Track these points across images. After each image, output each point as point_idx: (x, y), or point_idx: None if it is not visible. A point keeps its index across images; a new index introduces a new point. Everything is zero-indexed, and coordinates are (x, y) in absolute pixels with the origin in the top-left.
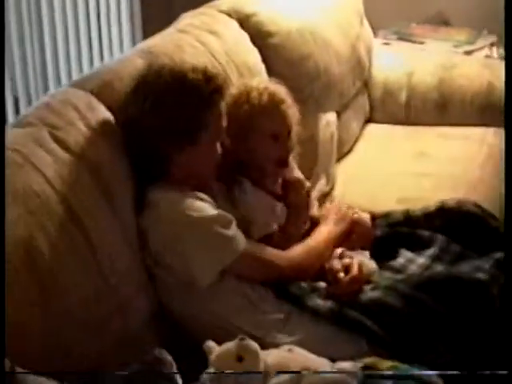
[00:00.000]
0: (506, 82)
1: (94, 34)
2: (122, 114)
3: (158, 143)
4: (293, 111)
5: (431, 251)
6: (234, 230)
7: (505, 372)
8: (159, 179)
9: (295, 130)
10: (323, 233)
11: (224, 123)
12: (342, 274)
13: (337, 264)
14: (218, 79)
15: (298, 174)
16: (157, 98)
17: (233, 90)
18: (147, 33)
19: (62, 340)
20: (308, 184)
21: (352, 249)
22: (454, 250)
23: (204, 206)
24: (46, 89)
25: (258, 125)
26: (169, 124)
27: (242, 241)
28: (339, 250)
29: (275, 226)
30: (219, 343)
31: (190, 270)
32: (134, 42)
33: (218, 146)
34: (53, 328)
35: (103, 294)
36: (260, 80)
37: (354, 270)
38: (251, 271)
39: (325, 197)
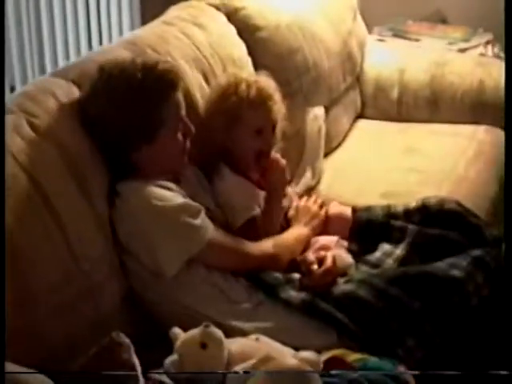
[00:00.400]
0: (506, 83)
1: (94, 23)
2: (81, 114)
3: (118, 143)
4: (279, 107)
5: (407, 240)
6: (201, 219)
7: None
8: (127, 173)
9: (280, 125)
10: (293, 232)
11: (183, 113)
12: (315, 266)
13: (311, 256)
14: (169, 74)
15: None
16: (109, 100)
17: (222, 79)
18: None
19: (32, 322)
20: (283, 162)
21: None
22: (431, 233)
23: (170, 195)
24: (42, 71)
25: (243, 118)
26: (123, 125)
27: (209, 230)
28: (319, 242)
29: (257, 210)
30: (187, 330)
31: (156, 260)
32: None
33: (180, 136)
34: (23, 310)
35: (74, 278)
36: (250, 73)
37: (328, 263)
38: (220, 260)
39: (310, 191)
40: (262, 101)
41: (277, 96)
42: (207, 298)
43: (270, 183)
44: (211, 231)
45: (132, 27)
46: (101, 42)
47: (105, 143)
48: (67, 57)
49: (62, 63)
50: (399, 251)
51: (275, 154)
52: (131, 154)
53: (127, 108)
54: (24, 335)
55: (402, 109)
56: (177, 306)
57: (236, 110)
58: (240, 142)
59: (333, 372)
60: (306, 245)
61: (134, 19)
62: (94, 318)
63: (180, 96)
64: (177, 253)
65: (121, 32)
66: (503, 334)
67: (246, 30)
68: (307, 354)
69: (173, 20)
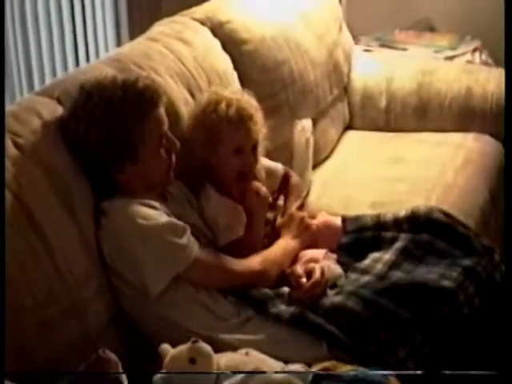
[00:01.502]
0: (506, 85)
1: (80, 40)
2: (63, 133)
3: (100, 162)
4: (259, 127)
5: (397, 245)
6: (186, 238)
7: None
8: (112, 191)
9: (263, 144)
10: (281, 245)
11: (165, 128)
12: (304, 280)
13: (299, 269)
14: (149, 90)
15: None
16: (89, 119)
17: (204, 96)
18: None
19: (16, 339)
20: (264, 189)
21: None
22: (422, 240)
23: (155, 214)
24: (31, 88)
25: (223, 136)
26: (105, 143)
27: (195, 249)
28: (307, 255)
29: (242, 231)
30: (176, 346)
31: (141, 279)
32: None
33: (163, 152)
34: (8, 327)
35: (60, 296)
36: (233, 90)
37: (317, 275)
38: (206, 278)
39: None
40: (241, 120)
41: (258, 116)
42: (195, 316)
43: (249, 209)
44: (196, 250)
45: (119, 43)
46: (88, 59)
47: (88, 162)
48: (54, 74)
49: (48, 80)
50: (388, 256)
51: (256, 183)
52: (115, 173)
53: (107, 126)
54: (9, 353)
55: (390, 118)
56: (164, 322)
57: (215, 128)
58: (220, 160)
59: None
60: (295, 258)
61: (121, 35)
62: (80, 336)
63: (162, 112)
64: (161, 272)
65: (107, 49)
66: (496, 339)
67: (231, 43)
68: (296, 367)
69: (157, 36)
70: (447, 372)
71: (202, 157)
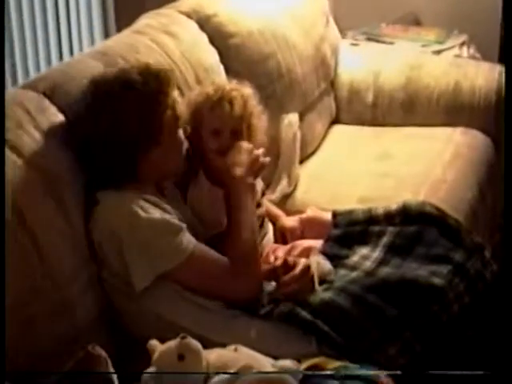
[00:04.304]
0: (506, 85)
1: (64, 30)
2: (76, 132)
3: (126, 149)
4: (238, 112)
5: (384, 241)
6: (179, 238)
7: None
8: (115, 183)
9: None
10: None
11: (179, 110)
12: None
13: (279, 262)
14: (163, 71)
15: None
16: (115, 111)
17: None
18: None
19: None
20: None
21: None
22: (410, 231)
23: (150, 209)
24: (14, 82)
25: (202, 117)
26: (132, 131)
27: (187, 250)
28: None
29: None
30: (164, 342)
31: (128, 271)
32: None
33: (181, 133)
34: None
35: (48, 293)
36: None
37: (296, 271)
38: (194, 283)
39: (287, 198)
40: (218, 100)
41: (241, 101)
42: (182, 310)
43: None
44: (189, 251)
45: (106, 36)
46: (71, 52)
47: (107, 154)
48: (37, 63)
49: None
50: (376, 254)
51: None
52: (141, 157)
53: (133, 112)
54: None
55: (378, 112)
56: (150, 316)
57: (198, 109)
58: (202, 143)
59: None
60: (290, 248)
61: (109, 28)
62: (70, 333)
63: (176, 93)
64: (147, 269)
65: (92, 41)
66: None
67: (218, 37)
68: (286, 363)
69: (143, 29)
70: (436, 372)
71: (192, 142)
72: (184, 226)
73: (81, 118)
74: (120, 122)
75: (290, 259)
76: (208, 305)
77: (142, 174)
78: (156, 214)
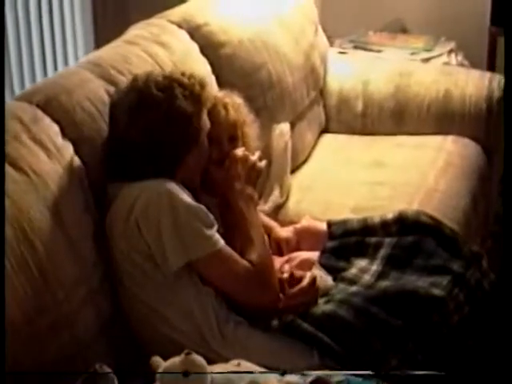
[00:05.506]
0: (505, 85)
1: (48, 42)
2: (118, 139)
3: (175, 149)
4: (232, 118)
5: (382, 253)
6: (212, 231)
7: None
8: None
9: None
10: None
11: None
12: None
13: (286, 275)
14: (195, 76)
15: None
16: (165, 113)
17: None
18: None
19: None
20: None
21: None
22: (408, 242)
23: (191, 200)
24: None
25: (200, 125)
26: (177, 134)
27: (217, 245)
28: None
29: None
30: (167, 354)
31: (164, 250)
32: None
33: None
34: None
35: (49, 308)
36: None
37: (303, 283)
38: (216, 278)
39: (279, 208)
40: (214, 107)
41: (233, 108)
42: (191, 319)
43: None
44: (219, 247)
45: (88, 49)
46: (56, 67)
47: (151, 154)
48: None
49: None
50: (375, 267)
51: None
52: (184, 158)
53: (178, 115)
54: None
55: (367, 121)
56: (160, 318)
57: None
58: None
59: None
60: (287, 259)
61: (87, 41)
62: (71, 347)
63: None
64: (183, 250)
65: (76, 54)
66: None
67: (209, 46)
68: (293, 378)
69: (134, 39)
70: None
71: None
72: (215, 222)
73: (119, 121)
74: (170, 123)
75: (297, 272)
76: (217, 308)
77: (178, 177)
78: (193, 201)
